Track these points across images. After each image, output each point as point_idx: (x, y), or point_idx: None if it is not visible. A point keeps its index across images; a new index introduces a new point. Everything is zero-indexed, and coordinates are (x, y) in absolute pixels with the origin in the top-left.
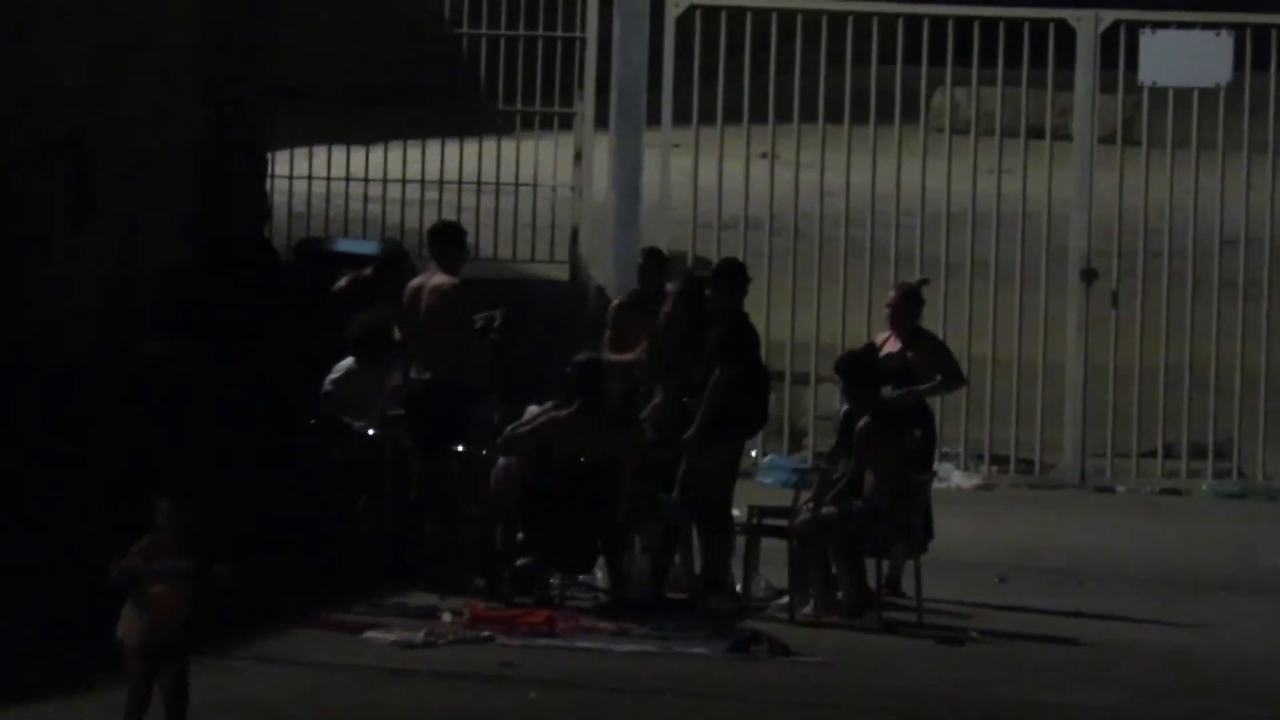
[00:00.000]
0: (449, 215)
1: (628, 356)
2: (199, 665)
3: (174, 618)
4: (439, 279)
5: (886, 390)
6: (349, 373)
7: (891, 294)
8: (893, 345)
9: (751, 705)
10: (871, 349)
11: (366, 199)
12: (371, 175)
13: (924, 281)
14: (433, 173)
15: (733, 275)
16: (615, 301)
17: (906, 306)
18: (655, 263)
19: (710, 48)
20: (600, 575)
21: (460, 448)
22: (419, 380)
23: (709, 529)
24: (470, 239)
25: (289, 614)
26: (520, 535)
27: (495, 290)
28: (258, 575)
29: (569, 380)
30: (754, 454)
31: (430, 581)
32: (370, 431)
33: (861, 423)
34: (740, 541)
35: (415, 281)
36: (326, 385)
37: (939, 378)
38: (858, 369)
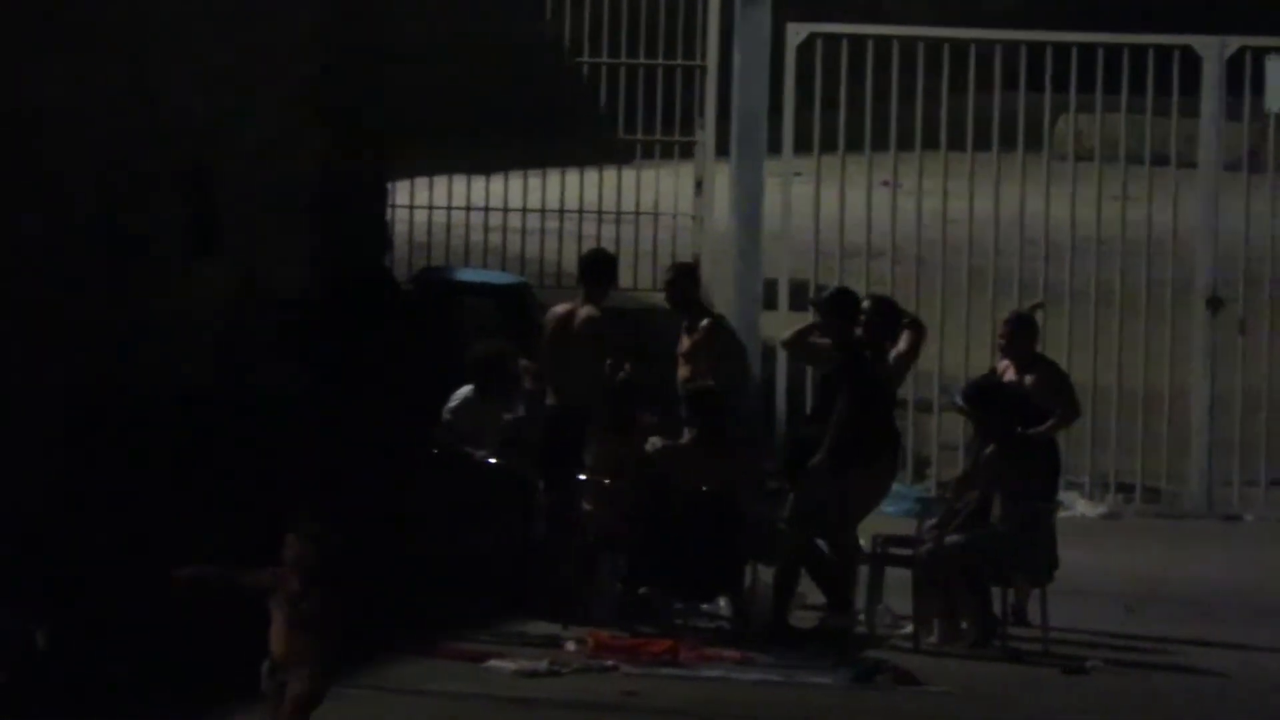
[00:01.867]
0: (569, 244)
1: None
2: None
3: (288, 650)
4: (587, 309)
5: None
6: (466, 401)
7: (1004, 322)
8: (1012, 373)
9: None
10: (994, 376)
11: (487, 229)
12: (492, 205)
13: (1037, 306)
14: (553, 202)
15: (843, 304)
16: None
17: (1020, 333)
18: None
19: (831, 75)
20: (723, 604)
21: (584, 476)
22: (553, 407)
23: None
24: None
25: (411, 643)
26: (642, 564)
27: (617, 321)
28: (380, 605)
29: (686, 409)
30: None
31: (553, 610)
32: (491, 460)
33: (988, 450)
34: (864, 571)
35: (560, 309)
36: (445, 414)
37: (1059, 412)
38: (984, 398)
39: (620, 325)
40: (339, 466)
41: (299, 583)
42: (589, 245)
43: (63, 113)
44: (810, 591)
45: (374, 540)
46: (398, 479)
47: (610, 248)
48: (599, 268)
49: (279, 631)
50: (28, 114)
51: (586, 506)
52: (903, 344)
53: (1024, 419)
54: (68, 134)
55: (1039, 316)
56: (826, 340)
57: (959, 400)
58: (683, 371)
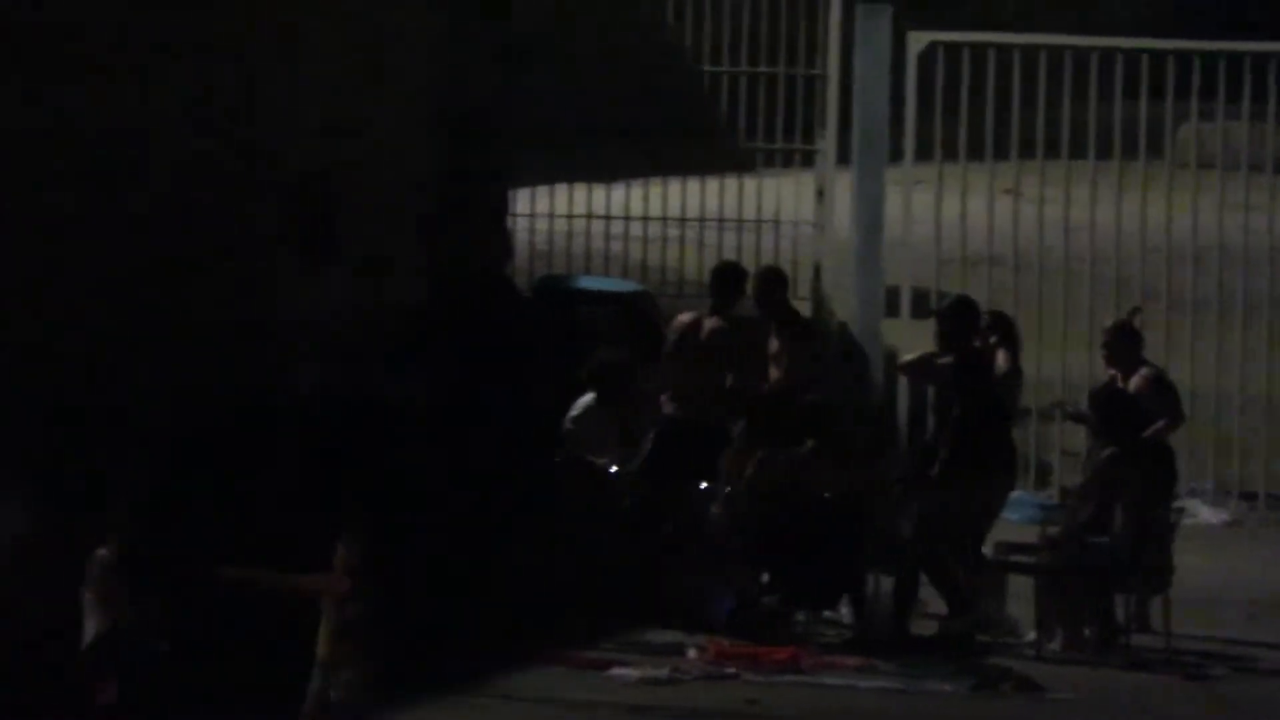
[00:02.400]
0: (690, 253)
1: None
2: (443, 704)
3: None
4: (713, 321)
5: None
6: (588, 410)
7: (1105, 331)
8: (1119, 381)
9: None
10: (1115, 384)
11: (608, 237)
12: (613, 213)
13: (1136, 311)
14: (675, 210)
15: (962, 314)
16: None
17: (1122, 341)
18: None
19: (953, 83)
20: (845, 611)
21: (705, 485)
22: (670, 417)
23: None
24: None
25: (535, 651)
26: (765, 572)
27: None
28: (503, 612)
29: (801, 420)
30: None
31: (676, 618)
32: (614, 469)
33: (1107, 453)
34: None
35: (685, 318)
36: (566, 423)
37: (1165, 416)
38: (1107, 406)
39: (747, 337)
40: (455, 472)
41: (346, 588)
42: (710, 253)
43: (181, 121)
44: (932, 599)
45: (493, 549)
46: (520, 487)
47: (731, 256)
48: (729, 280)
49: (323, 635)
50: (146, 123)
51: (714, 513)
52: (1001, 360)
53: (1136, 426)
54: (186, 142)
55: (1138, 321)
56: (946, 360)
57: (1071, 410)
58: (773, 374)
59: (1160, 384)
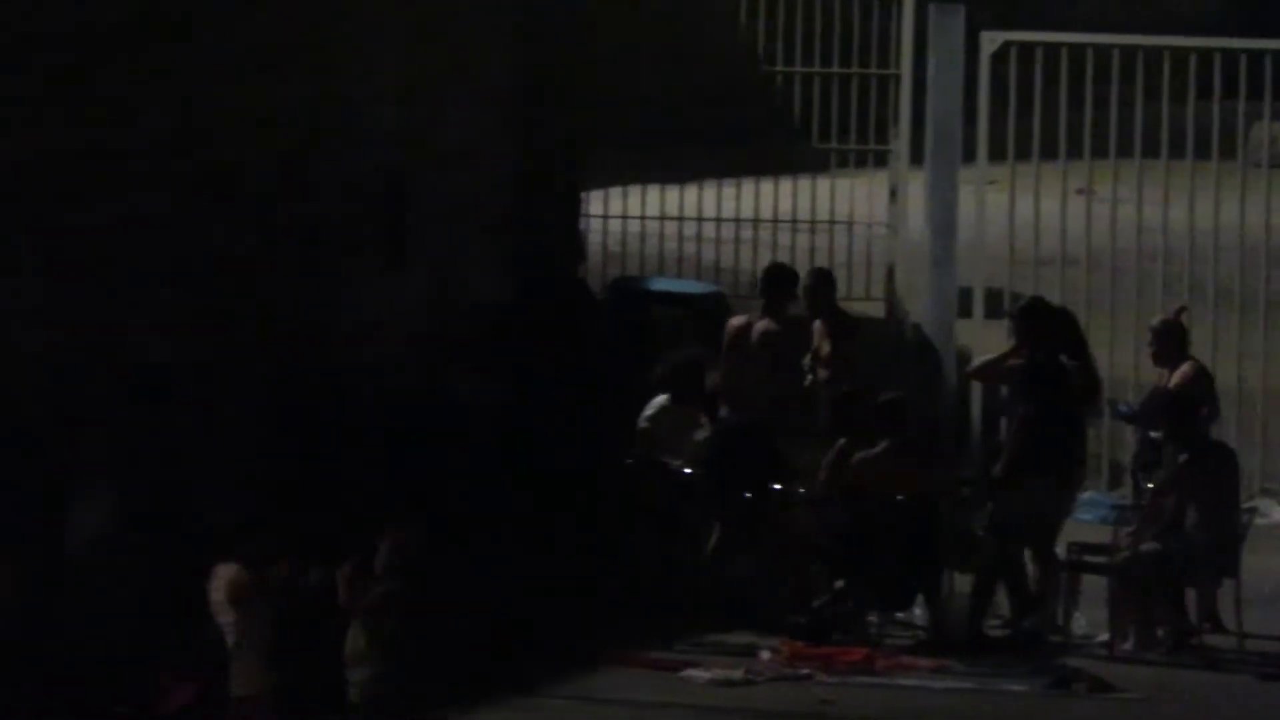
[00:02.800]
0: (763, 254)
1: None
2: (515, 706)
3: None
4: (764, 323)
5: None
6: (662, 410)
7: (1150, 329)
8: (1165, 378)
9: None
10: (1189, 388)
11: (681, 238)
12: (686, 214)
13: (1182, 310)
14: (747, 211)
15: (1033, 314)
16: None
17: (1168, 339)
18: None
19: (1025, 83)
20: (918, 612)
21: (776, 486)
22: (726, 419)
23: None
24: None
25: (607, 653)
26: (837, 573)
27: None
28: (576, 615)
29: (875, 419)
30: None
31: (748, 619)
32: (687, 470)
33: (1182, 459)
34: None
35: (737, 321)
36: (641, 423)
37: (1206, 409)
38: (1177, 409)
39: (801, 337)
40: (530, 474)
41: (378, 587)
42: (783, 255)
43: (258, 122)
44: (1004, 601)
45: (566, 551)
46: (593, 489)
47: (804, 257)
48: (779, 281)
49: (351, 635)
50: (225, 125)
51: (790, 515)
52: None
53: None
54: (263, 143)
55: (1185, 319)
56: (1017, 361)
57: (1123, 409)
58: (822, 374)
59: (1202, 377)
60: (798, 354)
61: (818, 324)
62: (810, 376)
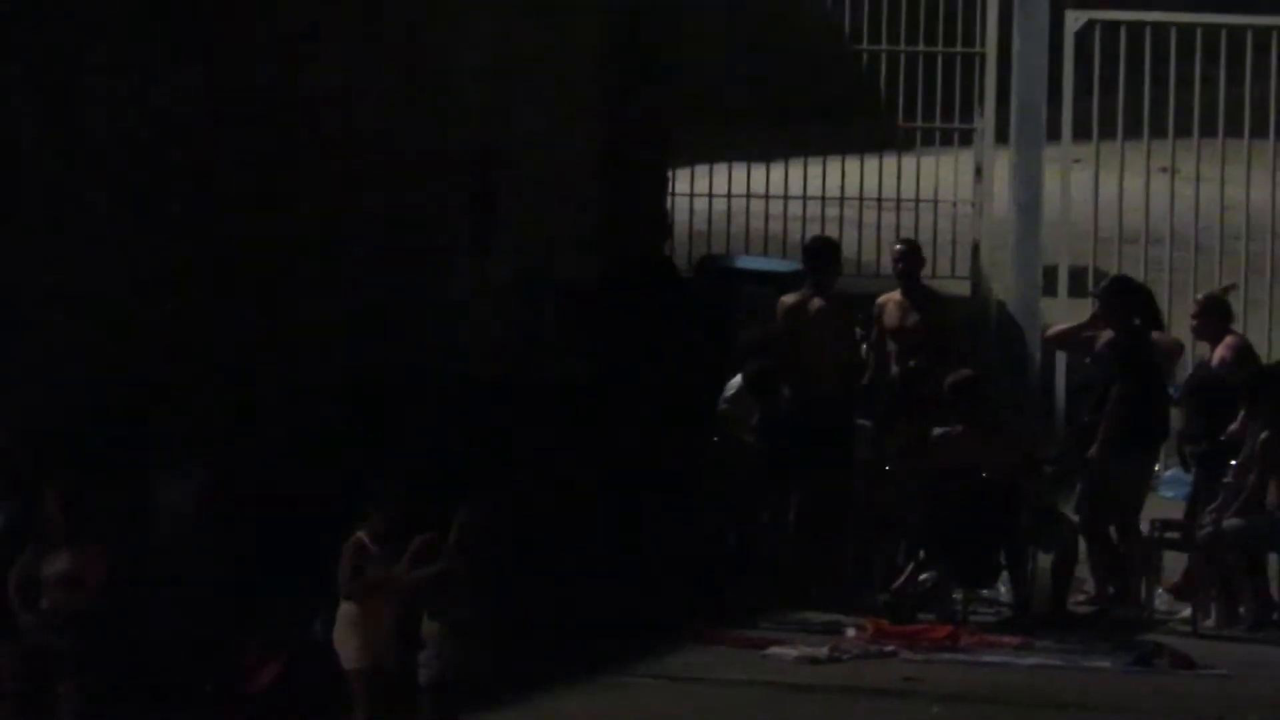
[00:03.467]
0: (849, 232)
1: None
2: (601, 685)
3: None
4: (817, 300)
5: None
6: (741, 390)
7: (1196, 302)
8: (1208, 353)
9: (1154, 718)
10: (1275, 366)
11: (768, 216)
12: (773, 192)
13: (1230, 288)
14: (833, 189)
15: (1121, 292)
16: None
17: (1211, 315)
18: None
19: (1109, 62)
20: (1003, 589)
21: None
22: (789, 399)
23: (1107, 542)
24: (873, 256)
25: (692, 631)
26: (920, 551)
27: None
28: (661, 593)
29: (947, 398)
30: (1156, 468)
31: (833, 597)
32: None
33: (1264, 435)
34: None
35: (790, 299)
36: (721, 404)
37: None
38: (1260, 387)
39: (850, 311)
40: (617, 452)
41: (438, 565)
42: (869, 233)
43: (343, 101)
44: (1088, 577)
45: (651, 529)
46: (680, 467)
47: (890, 235)
48: (824, 254)
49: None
50: (309, 103)
51: (872, 492)
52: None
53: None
54: (348, 122)
55: (1231, 297)
56: (1106, 338)
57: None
58: (891, 348)
59: (1243, 352)
60: (852, 328)
61: (895, 298)
62: (870, 351)
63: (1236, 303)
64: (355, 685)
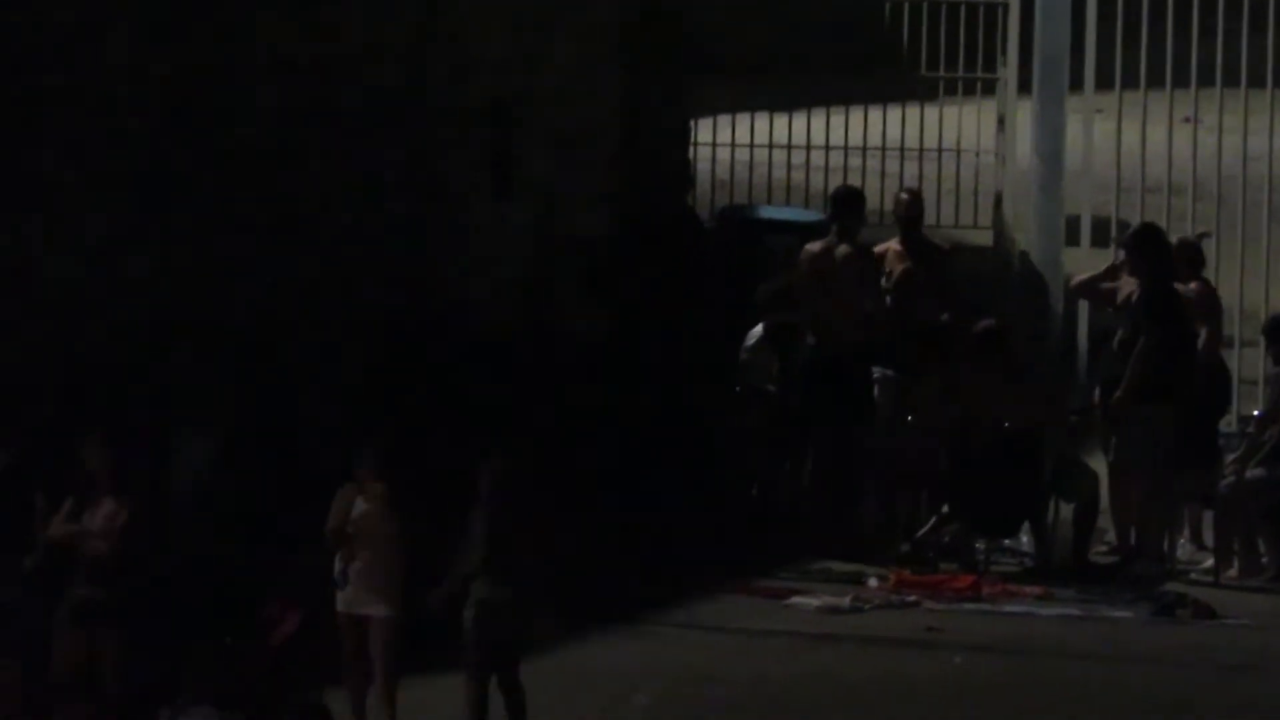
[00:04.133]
0: (872, 182)
1: None
2: (625, 634)
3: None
4: (844, 247)
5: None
6: (762, 340)
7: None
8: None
9: (1176, 668)
10: None
11: (790, 166)
12: (795, 142)
13: (1204, 234)
14: (856, 139)
15: (1149, 241)
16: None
17: (1176, 263)
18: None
19: (1133, 12)
20: (1025, 540)
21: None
22: (814, 348)
23: (1129, 493)
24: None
25: (714, 581)
26: (942, 501)
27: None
28: (684, 543)
29: (973, 348)
30: None
31: (855, 548)
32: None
33: None
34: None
35: (814, 247)
36: (742, 355)
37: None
38: None
39: (875, 261)
40: (637, 403)
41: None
42: (891, 183)
43: (360, 55)
44: (1109, 528)
45: (670, 478)
46: (703, 418)
47: (913, 185)
48: (850, 203)
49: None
50: (325, 57)
51: (893, 443)
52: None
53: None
54: (366, 75)
55: (1205, 244)
56: (1112, 285)
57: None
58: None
59: (1207, 300)
60: (877, 278)
61: (894, 246)
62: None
63: (1257, 253)
64: (349, 633)
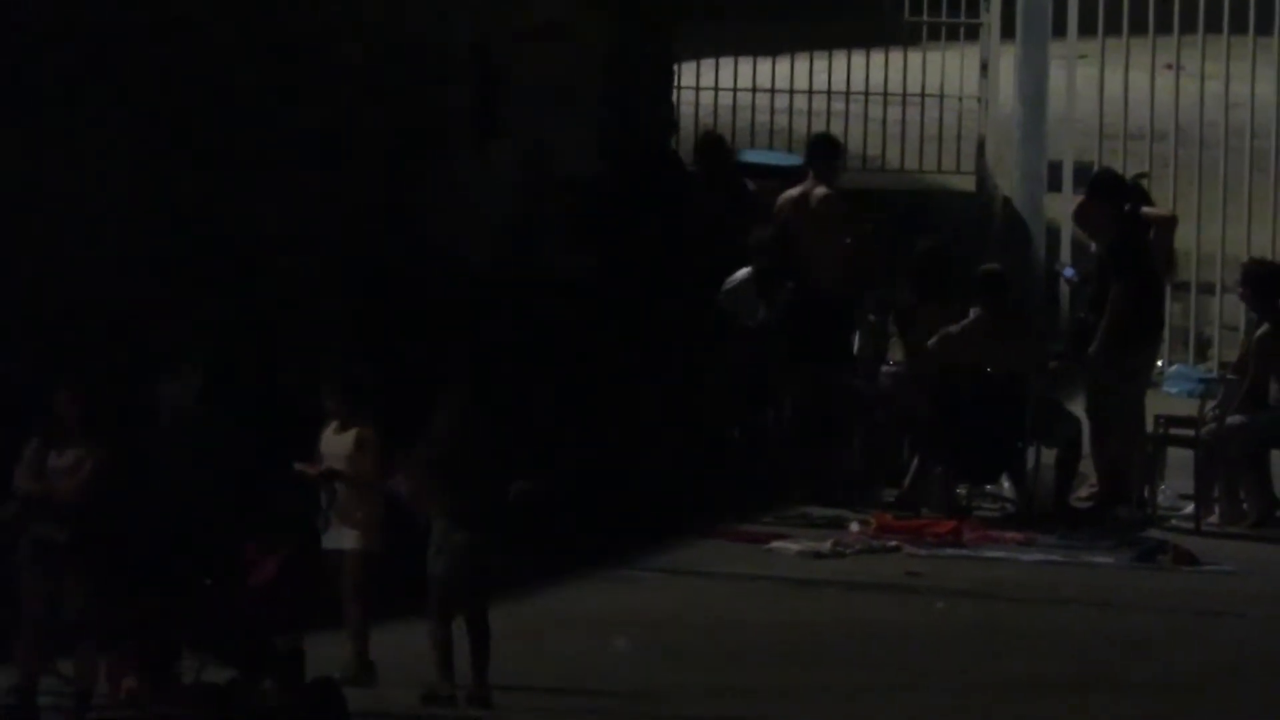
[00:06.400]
0: (856, 127)
1: None
2: (604, 579)
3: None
4: (821, 189)
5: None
6: (743, 283)
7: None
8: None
9: (1157, 614)
10: (1271, 262)
11: (773, 110)
12: (778, 86)
13: (1142, 175)
14: (839, 84)
15: (1109, 186)
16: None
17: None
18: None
19: None
20: (1006, 485)
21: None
22: (796, 290)
23: (1114, 440)
24: (876, 151)
25: (695, 526)
26: (924, 446)
27: (902, 200)
28: (662, 488)
29: (976, 290)
30: (1159, 364)
31: (838, 491)
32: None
33: (1261, 330)
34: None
35: (794, 192)
36: (721, 296)
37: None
38: (1262, 281)
39: (856, 204)
40: (622, 347)
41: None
42: (875, 128)
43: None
44: (1092, 473)
45: (651, 421)
46: (686, 361)
47: (896, 130)
48: (826, 149)
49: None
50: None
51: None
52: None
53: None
54: (347, 18)
55: (1145, 184)
56: (1104, 238)
57: (1068, 274)
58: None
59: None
60: (859, 221)
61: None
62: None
63: (1238, 198)
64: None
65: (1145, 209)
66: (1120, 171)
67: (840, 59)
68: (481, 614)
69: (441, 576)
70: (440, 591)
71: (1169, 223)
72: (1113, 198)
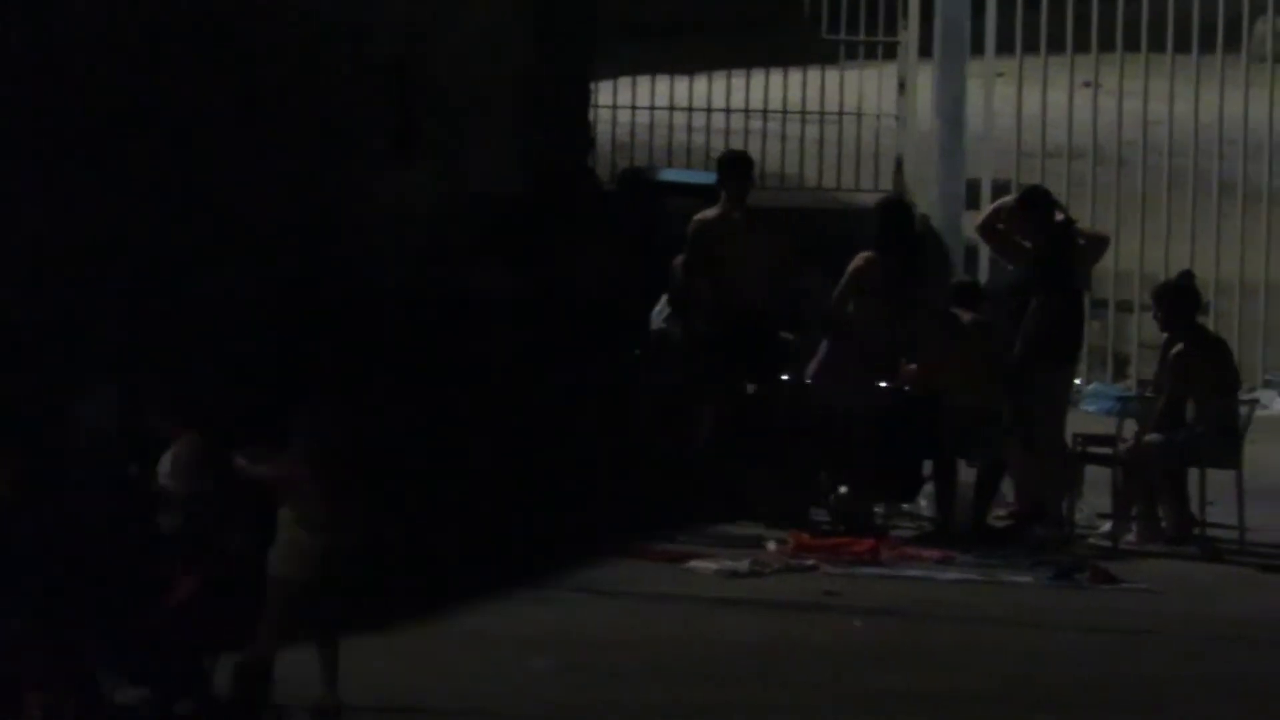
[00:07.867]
0: (773, 145)
1: None
2: (519, 598)
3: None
4: (734, 211)
5: None
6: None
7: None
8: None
9: (1076, 633)
10: (1189, 276)
11: (690, 129)
12: (695, 105)
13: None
14: (756, 102)
15: (1035, 204)
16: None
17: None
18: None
19: None
20: (924, 504)
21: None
22: (712, 310)
23: (1033, 458)
24: (794, 169)
25: (612, 545)
26: (839, 464)
27: (820, 219)
28: (579, 506)
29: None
30: (1077, 382)
31: (755, 510)
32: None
33: (1176, 349)
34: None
35: (709, 214)
36: (657, 322)
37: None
38: (1174, 297)
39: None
40: (539, 364)
41: (306, 476)
42: (792, 146)
43: (262, 11)
44: (1010, 491)
45: (571, 439)
46: (598, 378)
47: (813, 148)
48: (737, 166)
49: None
50: (229, 14)
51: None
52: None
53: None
54: (267, 33)
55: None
56: (1025, 250)
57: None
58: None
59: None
60: (778, 239)
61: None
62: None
63: (1156, 216)
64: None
65: (1079, 225)
66: (1047, 189)
67: (759, 77)
68: (329, 628)
69: (281, 579)
70: (279, 591)
71: (1101, 242)
72: (1044, 207)
